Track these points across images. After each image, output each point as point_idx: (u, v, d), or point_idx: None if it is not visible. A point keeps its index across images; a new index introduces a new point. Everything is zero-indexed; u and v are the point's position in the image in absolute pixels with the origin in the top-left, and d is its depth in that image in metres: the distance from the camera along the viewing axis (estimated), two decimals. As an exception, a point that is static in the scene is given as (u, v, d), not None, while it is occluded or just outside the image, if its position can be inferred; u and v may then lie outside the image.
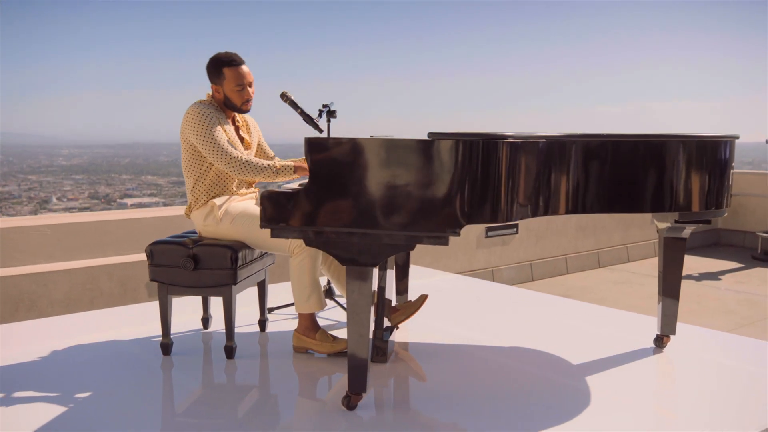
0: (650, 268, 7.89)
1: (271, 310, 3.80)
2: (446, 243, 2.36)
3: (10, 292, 4.26)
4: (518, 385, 2.81)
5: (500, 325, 3.70)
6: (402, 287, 3.76)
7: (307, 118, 3.25)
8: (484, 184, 2.33)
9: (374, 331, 3.05)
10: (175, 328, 3.41)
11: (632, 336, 3.45)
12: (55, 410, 2.51)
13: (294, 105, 3.25)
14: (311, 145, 2.38)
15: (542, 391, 2.76)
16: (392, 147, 2.34)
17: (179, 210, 4.96)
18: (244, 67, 3.14)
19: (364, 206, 2.36)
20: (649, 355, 3.17)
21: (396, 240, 2.38)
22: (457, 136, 2.32)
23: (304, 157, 3.32)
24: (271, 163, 3.04)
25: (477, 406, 2.59)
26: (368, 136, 2.43)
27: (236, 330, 3.47)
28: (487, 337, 3.43)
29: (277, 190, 2.47)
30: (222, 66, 3.10)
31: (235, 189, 3.19)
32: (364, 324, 2.45)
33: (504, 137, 2.35)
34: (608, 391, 2.74)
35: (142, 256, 4.71)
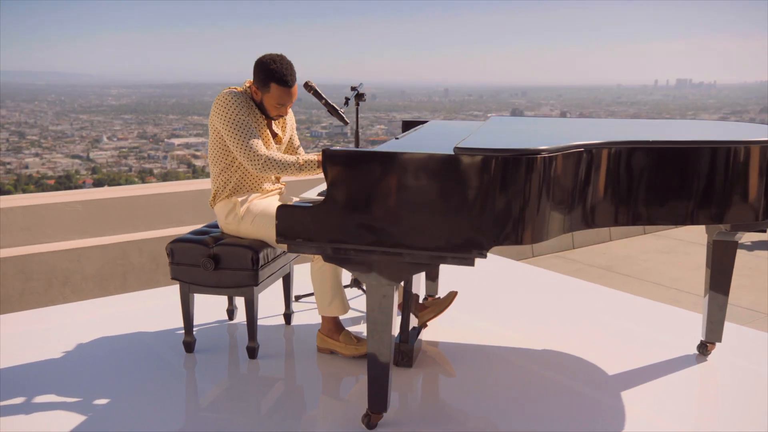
0: (696, 234, 7.55)
1: (298, 297, 3.73)
2: (472, 264, 2.21)
3: (44, 269, 4.29)
4: (547, 399, 2.68)
5: (534, 322, 3.55)
6: (433, 273, 3.63)
7: (332, 109, 3.09)
8: (515, 202, 2.14)
9: (399, 335, 2.94)
10: (200, 318, 3.38)
11: (673, 339, 3.27)
12: (75, 408, 2.51)
13: (318, 95, 3.08)
14: (328, 157, 2.22)
15: (572, 407, 2.62)
16: (416, 162, 2.16)
17: (208, 183, 4.88)
18: (294, 91, 2.92)
19: (385, 223, 2.21)
20: (692, 364, 2.99)
21: (418, 259, 2.23)
22: (486, 152, 2.12)
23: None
24: (294, 159, 2.89)
25: (498, 423, 2.48)
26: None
27: (261, 321, 3.42)
28: (519, 336, 3.30)
29: (291, 203, 2.33)
30: (271, 80, 2.87)
31: (260, 184, 3.07)
32: (385, 343, 2.34)
33: (538, 152, 2.15)
34: (642, 411, 2.59)
35: (173, 231, 4.69)
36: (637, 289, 5.62)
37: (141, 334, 3.29)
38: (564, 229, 2.32)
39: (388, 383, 2.39)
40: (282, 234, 2.31)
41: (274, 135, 3.11)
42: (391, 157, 2.18)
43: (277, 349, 3.12)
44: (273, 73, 2.85)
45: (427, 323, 3.21)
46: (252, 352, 2.97)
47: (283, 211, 2.30)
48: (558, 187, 2.24)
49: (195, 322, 3.23)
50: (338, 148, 2.25)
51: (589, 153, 2.34)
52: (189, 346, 3.03)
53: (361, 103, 3.48)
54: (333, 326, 3.02)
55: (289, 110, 3.24)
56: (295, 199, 3.18)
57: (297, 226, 2.29)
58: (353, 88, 3.49)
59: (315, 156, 2.93)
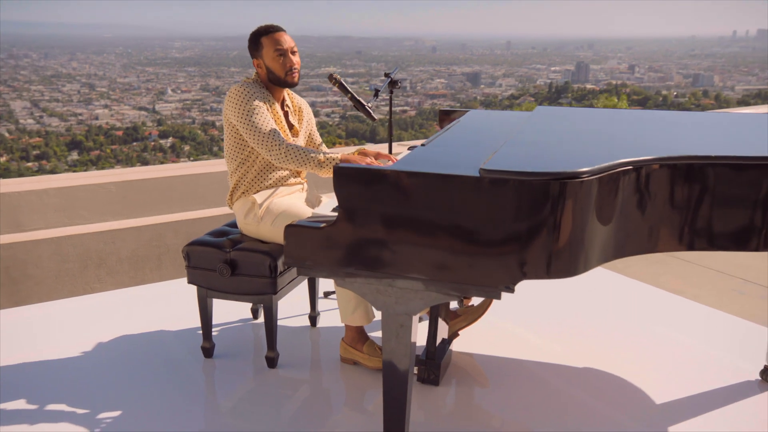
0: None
1: (327, 294, 3.57)
2: (498, 298, 1.97)
3: (78, 251, 4.26)
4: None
5: (578, 332, 3.28)
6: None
7: (358, 104, 2.84)
8: (547, 233, 1.88)
9: (425, 349, 2.75)
10: (222, 316, 3.26)
11: (734, 359, 2.96)
12: (85, 413, 2.44)
13: (344, 88, 2.84)
14: (338, 173, 2.00)
15: (612, 443, 2.39)
16: (435, 183, 1.92)
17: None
18: (283, 34, 2.83)
19: (402, 250, 1.98)
20: (753, 393, 2.69)
21: (439, 289, 2.01)
22: (515, 176, 1.85)
23: (355, 151, 2.98)
24: (315, 153, 2.69)
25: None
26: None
27: (285, 321, 3.28)
28: (560, 350, 3.05)
29: (299, 223, 2.13)
30: (259, 37, 2.84)
31: (280, 180, 2.88)
32: (401, 376, 2.14)
33: (576, 175, 1.86)
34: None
35: (208, 212, 4.58)
36: (698, 278, 5.24)
37: (161, 334, 3.19)
38: (607, 257, 2.05)
39: (406, 415, 2.20)
40: (290, 256, 2.11)
41: (291, 127, 2.92)
42: (406, 177, 1.94)
43: (298, 357, 2.98)
44: (257, 33, 2.83)
45: (459, 333, 3.00)
46: (271, 362, 2.84)
47: (291, 231, 2.10)
48: (599, 213, 1.96)
49: (217, 320, 3.13)
50: (350, 164, 2.02)
51: (639, 171, 2.04)
52: (207, 351, 2.91)
53: (395, 90, 3.23)
54: (357, 335, 2.84)
55: (305, 105, 3.03)
56: (324, 200, 3.00)
57: (306, 248, 2.09)
58: (387, 75, 3.23)
59: (338, 155, 2.72)
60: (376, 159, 2.90)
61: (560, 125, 2.67)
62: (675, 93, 64.38)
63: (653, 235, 2.12)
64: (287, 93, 2.98)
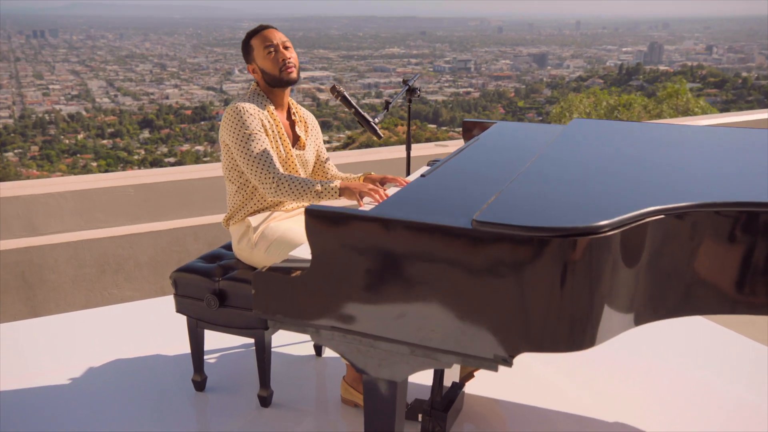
0: None
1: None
2: (494, 369, 1.66)
3: (96, 255, 4.14)
4: None
5: (611, 375, 2.92)
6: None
7: (363, 120, 2.54)
8: (554, 299, 1.55)
9: (430, 398, 2.45)
10: (222, 341, 3.05)
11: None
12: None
13: (347, 102, 2.55)
14: (311, 216, 1.72)
15: None
16: (421, 233, 1.61)
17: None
18: (272, 30, 2.61)
19: (381, 309, 1.69)
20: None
21: (425, 355, 1.71)
22: (516, 231, 1.53)
23: (360, 176, 2.69)
24: (311, 184, 2.42)
25: None
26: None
27: (289, 348, 3.04)
28: (590, 399, 2.70)
29: (269, 270, 1.86)
30: (248, 40, 2.62)
31: (280, 203, 2.63)
32: (385, 444, 1.86)
33: (594, 230, 1.52)
34: None
35: (230, 218, 4.39)
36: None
37: (155, 359, 3.01)
38: (628, 324, 1.71)
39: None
40: (260, 306, 1.85)
41: (296, 139, 2.66)
42: (384, 224, 1.64)
43: (295, 395, 2.73)
44: (246, 36, 2.64)
45: (474, 374, 2.69)
46: (264, 401, 2.60)
47: (260, 277, 1.83)
48: (621, 273, 1.61)
49: (215, 346, 2.93)
50: (322, 206, 1.73)
51: (679, 217, 1.68)
52: (198, 384, 2.71)
53: (414, 98, 2.92)
54: (358, 375, 2.58)
55: (312, 118, 2.77)
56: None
57: (277, 298, 1.83)
58: (404, 82, 2.92)
59: (337, 183, 2.44)
60: (382, 184, 2.61)
61: (589, 148, 2.31)
62: (756, 75, 60.93)
63: (692, 295, 1.76)
64: (292, 103, 2.72)
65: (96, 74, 72.31)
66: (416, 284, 1.64)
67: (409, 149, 3.05)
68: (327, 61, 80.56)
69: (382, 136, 2.54)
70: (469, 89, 69.46)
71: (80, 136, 52.24)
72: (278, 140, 2.58)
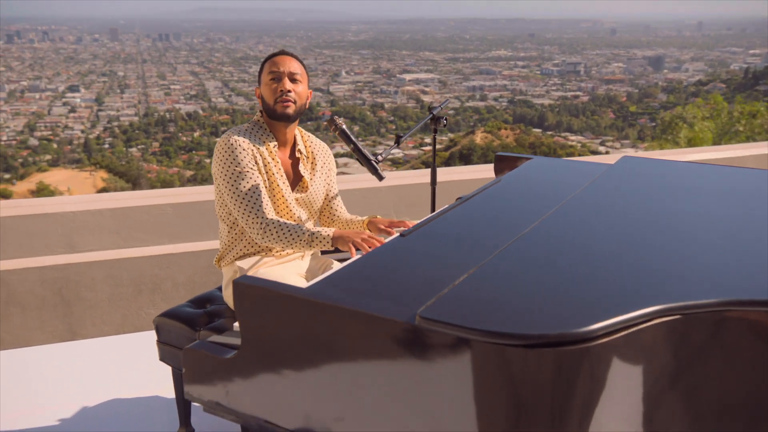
0: None
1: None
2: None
3: (133, 275, 4.06)
4: None
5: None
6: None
7: (363, 158, 2.22)
8: (525, 422, 1.19)
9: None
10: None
11: None
12: None
13: (346, 137, 2.23)
14: (238, 290, 1.44)
15: None
16: (357, 323, 1.29)
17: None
18: (285, 57, 2.33)
19: (317, 407, 1.39)
20: None
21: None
22: (469, 334, 1.18)
23: (365, 219, 2.39)
24: (301, 231, 2.15)
25: None
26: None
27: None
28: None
29: (200, 347, 1.60)
30: (264, 61, 2.36)
31: (271, 248, 2.37)
32: None
33: (580, 338, 1.15)
34: None
35: (269, 241, 4.21)
36: None
37: (145, 402, 2.83)
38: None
39: None
40: (191, 389, 1.59)
41: (298, 179, 2.37)
42: (317, 309, 1.33)
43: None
44: (266, 57, 2.38)
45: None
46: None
47: (190, 355, 1.57)
48: (619, 402, 1.22)
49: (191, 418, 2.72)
50: (253, 281, 1.44)
51: (690, 319, 1.26)
52: (184, 438, 2.49)
53: (439, 129, 2.58)
54: None
55: (326, 152, 2.48)
56: (336, 266, 2.45)
57: (207, 381, 1.56)
58: (430, 109, 2.59)
59: (330, 231, 2.15)
60: (388, 228, 2.28)
61: (618, 203, 1.88)
62: None
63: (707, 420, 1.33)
64: (300, 134, 2.45)
65: (213, 75, 75.85)
66: (354, 383, 1.32)
67: (434, 185, 2.72)
68: (432, 63, 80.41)
69: (384, 177, 2.22)
70: (578, 93, 67.08)
71: (196, 134, 54.94)
72: (276, 182, 2.31)
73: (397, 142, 2.39)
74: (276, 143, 2.33)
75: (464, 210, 1.89)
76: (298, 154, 2.40)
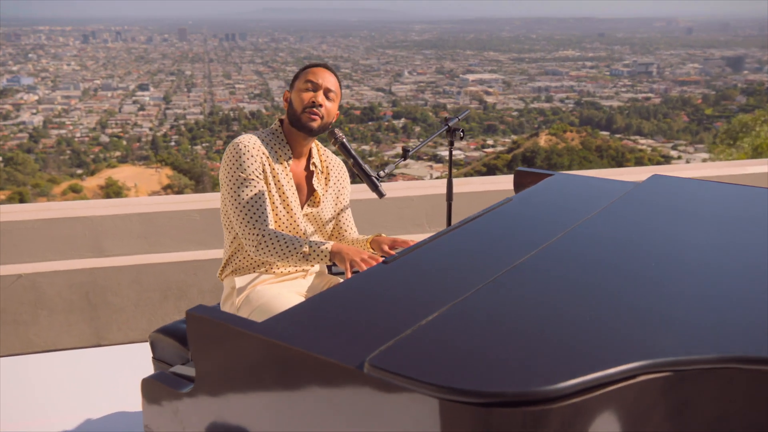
0: None
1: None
2: None
3: (159, 280, 4.04)
4: None
5: None
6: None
7: (363, 174, 2.08)
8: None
9: None
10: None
11: None
12: None
13: (346, 150, 2.10)
14: (190, 323, 1.32)
15: None
16: (309, 364, 1.16)
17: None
18: (325, 71, 2.24)
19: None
20: None
21: None
22: (415, 385, 1.02)
23: (371, 235, 2.27)
24: (299, 244, 2.05)
25: None
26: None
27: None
28: None
29: (157, 379, 1.49)
30: (301, 70, 2.28)
31: (270, 263, 2.26)
32: None
33: (551, 397, 0.97)
34: None
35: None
36: None
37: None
38: None
39: None
40: (149, 423, 1.49)
41: (311, 191, 2.26)
42: (268, 347, 1.20)
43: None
44: (306, 65, 2.29)
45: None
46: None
47: (147, 385, 1.47)
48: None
49: None
50: (205, 314, 1.33)
51: (686, 377, 1.07)
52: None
53: (456, 141, 2.41)
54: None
55: (339, 166, 2.36)
56: None
57: (164, 414, 1.45)
58: (446, 121, 2.43)
59: (329, 246, 2.03)
60: (390, 248, 2.14)
61: (638, 228, 1.68)
62: None
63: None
64: (316, 146, 2.33)
65: (276, 74, 77.12)
66: (308, 425, 1.19)
67: (450, 200, 2.55)
68: (497, 63, 79.32)
69: (385, 194, 2.07)
70: (649, 95, 64.75)
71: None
72: (285, 195, 2.20)
73: (404, 156, 2.25)
74: (291, 154, 2.23)
75: (460, 234, 1.72)
76: (312, 167, 2.29)
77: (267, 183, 2.17)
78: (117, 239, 4.05)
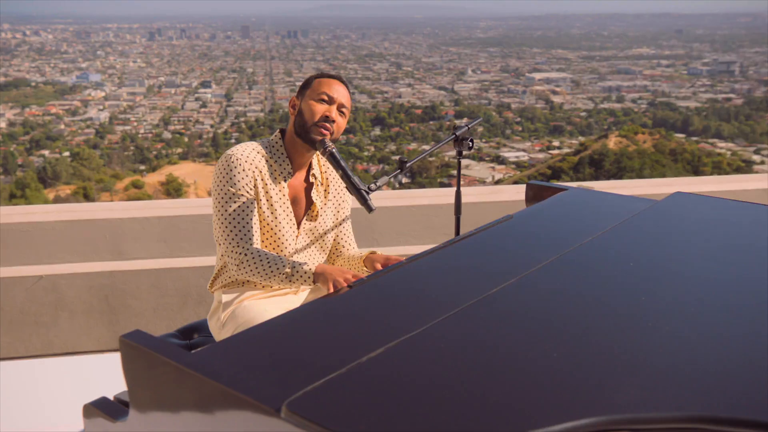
0: None
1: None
2: None
3: (178, 285, 3.98)
4: None
5: None
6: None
7: (352, 187, 1.92)
8: None
9: None
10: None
11: None
12: None
13: (335, 161, 1.95)
14: (123, 350, 1.24)
15: None
16: (231, 401, 1.04)
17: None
18: (340, 84, 2.14)
19: None
20: None
21: None
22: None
23: (366, 252, 2.17)
24: (282, 264, 1.95)
25: None
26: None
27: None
28: None
29: (99, 404, 1.38)
30: (313, 78, 2.20)
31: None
32: None
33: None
34: None
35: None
36: None
37: None
38: None
39: None
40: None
41: (310, 204, 2.14)
42: (192, 380, 1.09)
43: None
44: (313, 75, 2.23)
45: None
46: None
47: (89, 413, 1.41)
48: None
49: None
50: (139, 341, 1.20)
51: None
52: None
53: (465, 151, 2.21)
54: None
55: (341, 189, 2.23)
56: None
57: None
58: (453, 129, 2.24)
59: (312, 267, 1.92)
60: (383, 266, 1.99)
61: (640, 256, 1.45)
62: None
63: None
64: (317, 158, 2.22)
65: (337, 72, 77.76)
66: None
67: (458, 213, 2.35)
68: (565, 62, 77.47)
69: (374, 208, 1.89)
70: (730, 95, 61.62)
71: (317, 129, 56.46)
72: (276, 211, 2.09)
73: (401, 168, 2.07)
74: (291, 168, 2.11)
75: (444, 255, 1.53)
76: (312, 179, 2.18)
77: (258, 199, 2.08)
78: (137, 242, 4.01)
